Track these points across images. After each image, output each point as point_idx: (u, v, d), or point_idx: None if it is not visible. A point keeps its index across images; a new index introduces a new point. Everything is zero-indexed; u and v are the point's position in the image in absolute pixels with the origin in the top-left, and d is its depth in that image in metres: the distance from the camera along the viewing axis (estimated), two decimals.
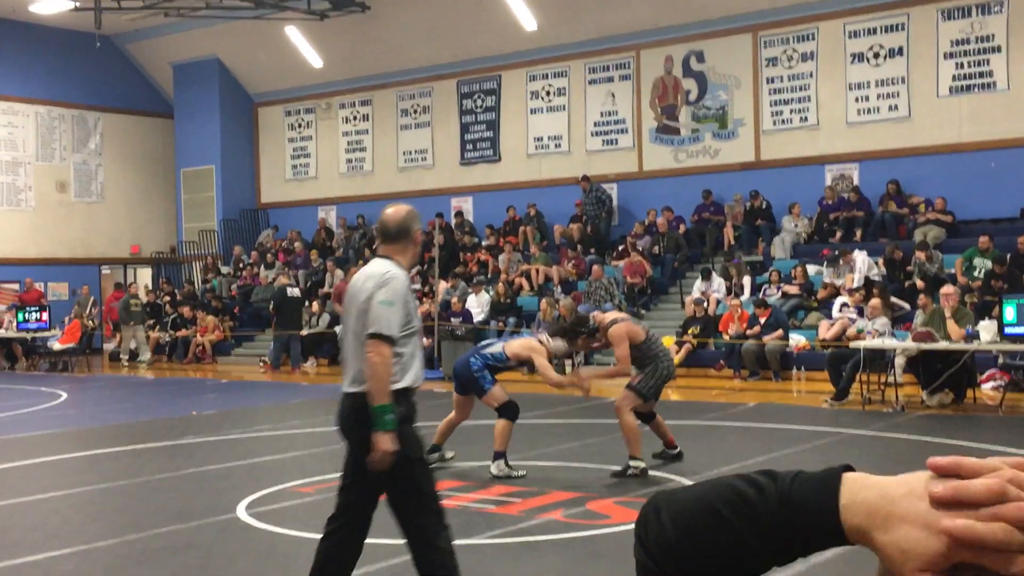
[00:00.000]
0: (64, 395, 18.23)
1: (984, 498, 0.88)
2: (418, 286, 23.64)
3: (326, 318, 23.66)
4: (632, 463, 9.10)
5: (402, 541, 5.12)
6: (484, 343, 10.25)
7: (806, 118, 22.00)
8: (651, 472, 9.30)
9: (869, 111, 21.31)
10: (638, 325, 9.71)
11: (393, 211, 5.19)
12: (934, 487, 0.90)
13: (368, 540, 7.18)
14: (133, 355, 25.27)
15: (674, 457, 9.90)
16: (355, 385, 5.00)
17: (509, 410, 9.43)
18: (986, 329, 13.44)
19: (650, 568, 1.07)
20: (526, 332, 21.33)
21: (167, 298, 27.18)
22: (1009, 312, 13.19)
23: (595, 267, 21.25)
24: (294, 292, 23.37)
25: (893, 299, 17.20)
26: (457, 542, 7.08)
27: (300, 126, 29.60)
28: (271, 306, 23.42)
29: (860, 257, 19.05)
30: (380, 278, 4.99)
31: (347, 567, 5.11)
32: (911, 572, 0.90)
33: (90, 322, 26.05)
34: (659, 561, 1.06)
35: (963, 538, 0.87)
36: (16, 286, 27.43)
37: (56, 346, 24.48)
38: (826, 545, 0.99)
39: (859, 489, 0.95)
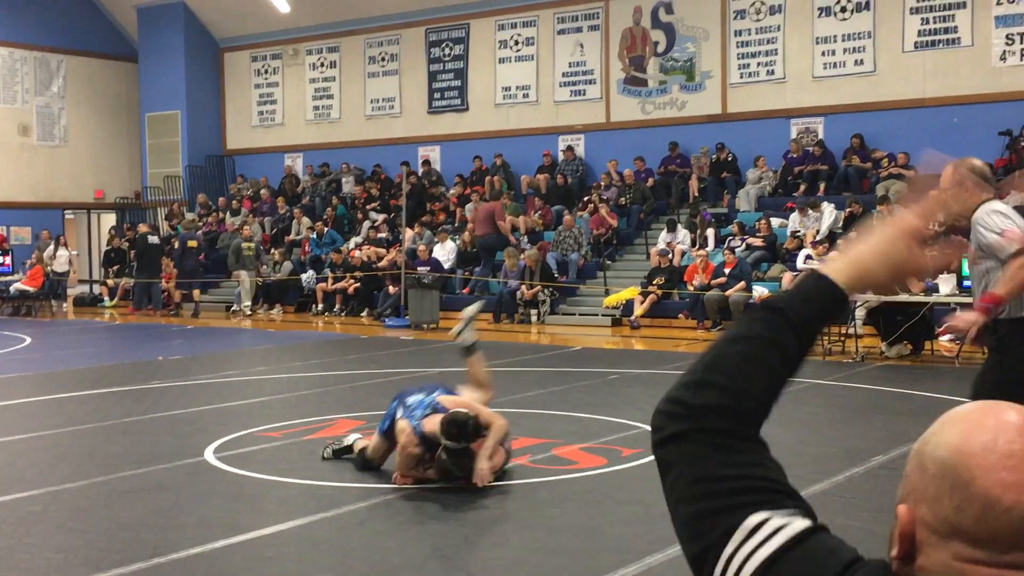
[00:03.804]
0: (28, 339, 18.17)
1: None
2: (384, 235, 23.66)
3: (288, 266, 23.57)
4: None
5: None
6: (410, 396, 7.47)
7: (773, 71, 22.08)
8: (620, 420, 9.44)
9: (835, 65, 21.41)
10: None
11: (979, 160, 5.90)
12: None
13: (362, 485, 7.29)
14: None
15: None
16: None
17: None
18: (945, 282, 13.67)
19: (708, 420, 1.35)
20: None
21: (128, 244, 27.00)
22: (968, 266, 13.40)
23: (566, 216, 21.41)
24: (154, 240, 24.53)
25: None
26: (427, 486, 7.22)
27: (267, 72, 29.36)
28: (132, 253, 25.17)
29: (829, 209, 19.27)
30: None
31: None
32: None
33: (49, 268, 25.75)
34: (722, 409, 1.35)
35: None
36: None
37: (17, 287, 24.25)
38: (832, 308, 1.40)
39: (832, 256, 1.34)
